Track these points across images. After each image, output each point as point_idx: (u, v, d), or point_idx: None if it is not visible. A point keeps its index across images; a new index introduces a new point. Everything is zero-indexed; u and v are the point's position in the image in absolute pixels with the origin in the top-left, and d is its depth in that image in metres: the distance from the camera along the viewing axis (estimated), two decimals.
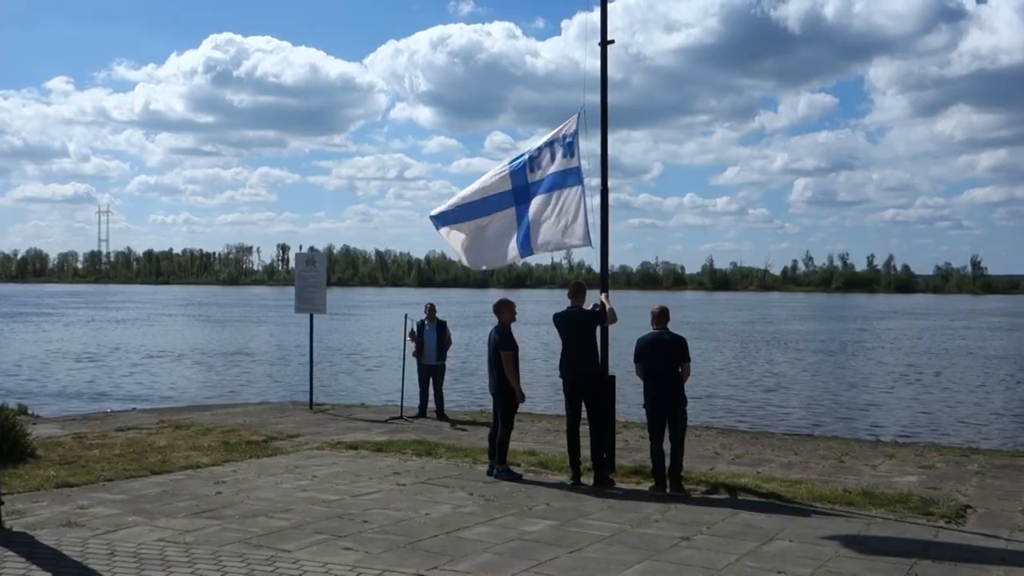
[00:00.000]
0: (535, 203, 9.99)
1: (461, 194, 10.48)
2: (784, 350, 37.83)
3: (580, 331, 9.47)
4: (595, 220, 9.75)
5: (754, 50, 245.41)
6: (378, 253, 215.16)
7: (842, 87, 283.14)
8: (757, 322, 62.63)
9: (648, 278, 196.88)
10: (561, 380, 9.72)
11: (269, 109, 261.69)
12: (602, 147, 9.88)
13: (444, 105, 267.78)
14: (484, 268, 10.90)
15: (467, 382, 23.82)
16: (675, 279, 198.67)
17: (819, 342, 42.95)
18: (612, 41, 9.97)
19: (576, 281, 10.01)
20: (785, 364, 31.54)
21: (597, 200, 9.88)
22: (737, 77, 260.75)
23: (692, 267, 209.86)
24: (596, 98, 9.92)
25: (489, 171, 10.55)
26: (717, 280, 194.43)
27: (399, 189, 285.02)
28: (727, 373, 27.84)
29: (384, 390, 22.25)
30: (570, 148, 9.87)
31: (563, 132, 9.96)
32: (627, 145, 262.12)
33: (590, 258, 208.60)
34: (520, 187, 10.10)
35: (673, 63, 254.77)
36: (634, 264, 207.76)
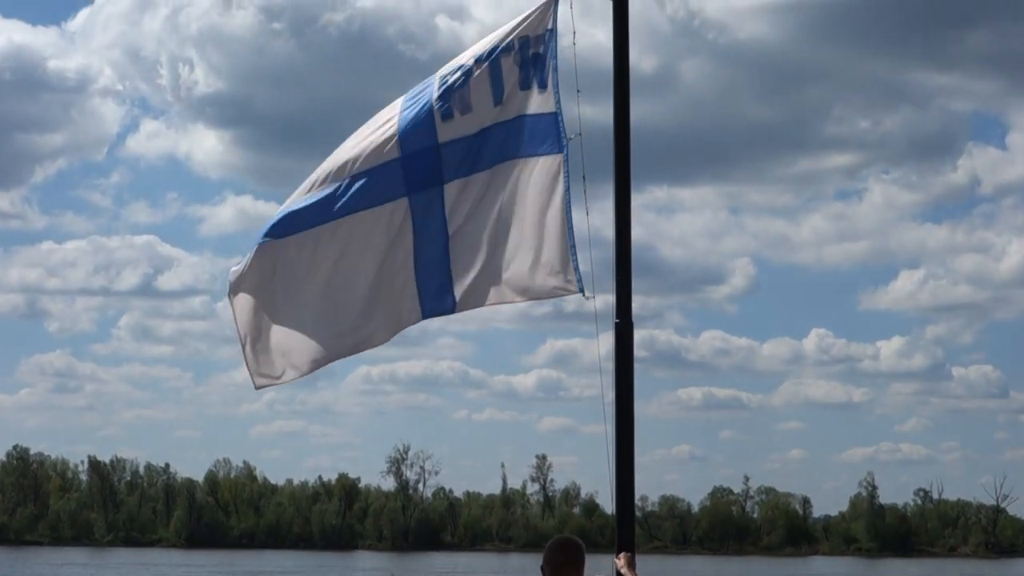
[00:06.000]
0: (453, 190, 7.49)
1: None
2: None
3: None
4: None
5: (941, 10, 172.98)
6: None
7: None
8: None
9: (727, 524, 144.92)
10: None
11: None
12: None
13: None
14: (327, 360, 7.90)
15: None
16: (790, 527, 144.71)
17: None
18: None
19: (563, 538, 7.61)
20: None
21: None
22: (906, 67, 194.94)
23: (826, 500, 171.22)
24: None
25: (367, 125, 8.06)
26: (887, 532, 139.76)
27: None
28: None
29: None
30: (539, 65, 7.24)
31: (524, 30, 7.38)
32: (669, 220, 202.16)
33: (592, 481, 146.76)
34: (419, 152, 7.62)
35: (765, 35, 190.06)
36: (695, 492, 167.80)
